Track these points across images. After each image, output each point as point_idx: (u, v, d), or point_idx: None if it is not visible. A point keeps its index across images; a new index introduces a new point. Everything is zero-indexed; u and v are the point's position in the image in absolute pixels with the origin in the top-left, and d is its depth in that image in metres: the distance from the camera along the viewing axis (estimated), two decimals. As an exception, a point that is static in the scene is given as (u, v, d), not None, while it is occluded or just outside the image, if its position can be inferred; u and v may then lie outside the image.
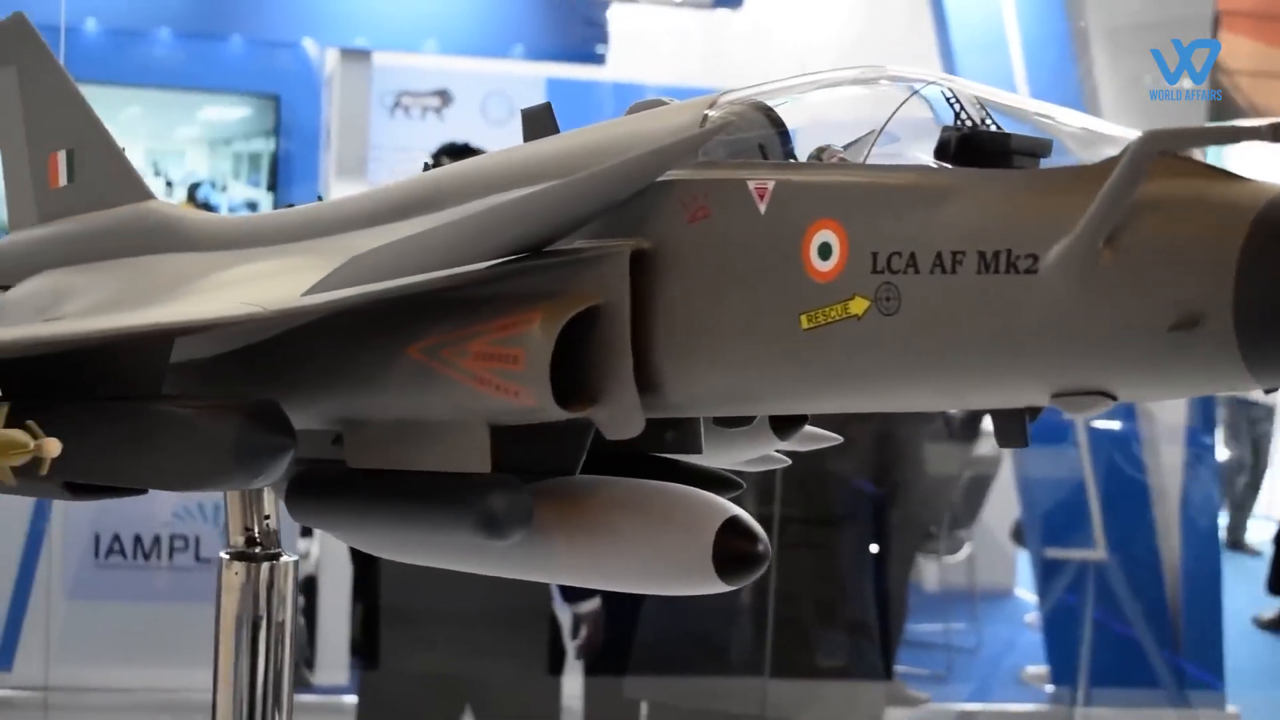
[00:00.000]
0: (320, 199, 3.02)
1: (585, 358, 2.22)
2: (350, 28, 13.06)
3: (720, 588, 2.32)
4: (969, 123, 2.10)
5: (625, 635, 7.52)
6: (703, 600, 6.80)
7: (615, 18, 13.80)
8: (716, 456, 2.70)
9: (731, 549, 2.30)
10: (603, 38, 13.72)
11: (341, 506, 2.62)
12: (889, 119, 2.15)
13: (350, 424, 2.57)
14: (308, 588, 10.81)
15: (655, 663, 7.47)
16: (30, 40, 3.51)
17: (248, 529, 3.01)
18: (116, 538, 9.86)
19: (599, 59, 13.88)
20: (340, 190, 11.66)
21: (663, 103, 2.43)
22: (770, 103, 2.27)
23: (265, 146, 13.98)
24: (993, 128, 2.09)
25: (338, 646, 10.31)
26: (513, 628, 7.95)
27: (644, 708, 7.79)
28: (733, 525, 2.32)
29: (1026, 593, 13.78)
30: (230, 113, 14.24)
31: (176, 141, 13.52)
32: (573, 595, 7.87)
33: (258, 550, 3.00)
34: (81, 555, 9.79)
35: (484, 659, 7.79)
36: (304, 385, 2.53)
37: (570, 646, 8.01)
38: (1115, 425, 9.65)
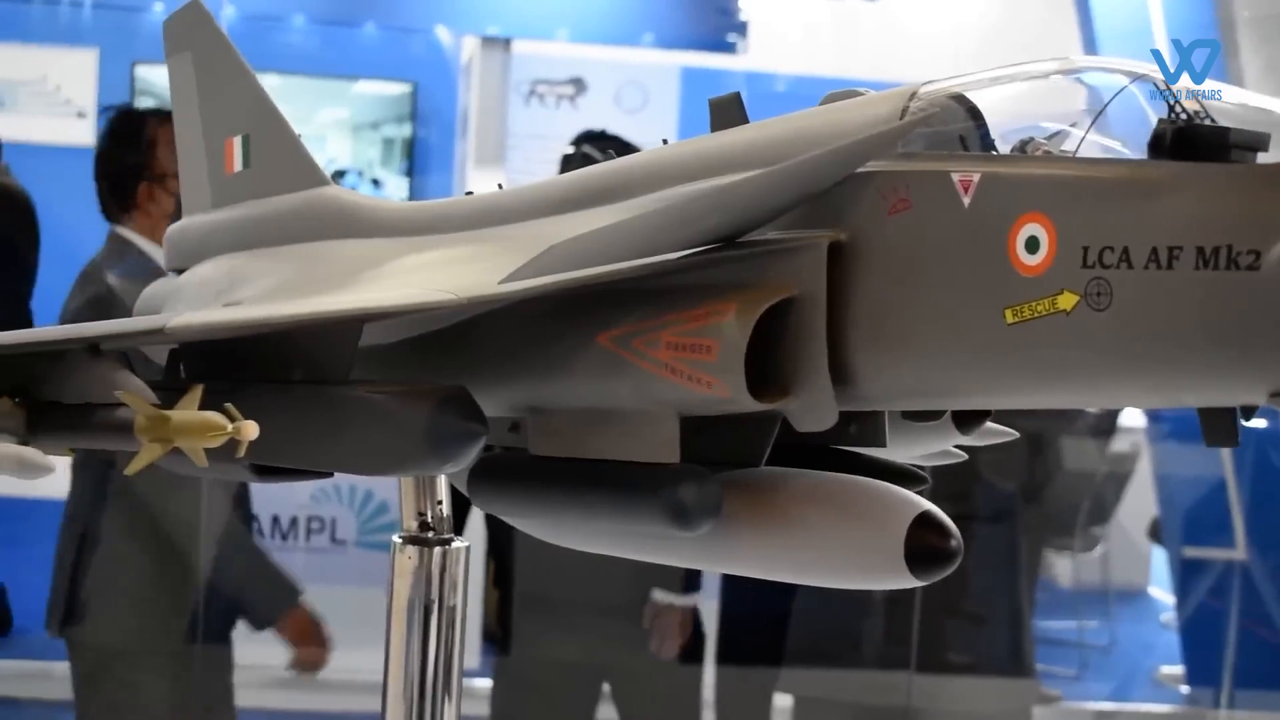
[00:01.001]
0: (471, 193, 3.02)
1: (779, 349, 2.20)
2: (483, 16, 13.14)
3: (911, 582, 2.30)
4: (1183, 116, 2.06)
5: (767, 628, 7.50)
6: (845, 594, 6.79)
7: (747, 6, 13.75)
8: (896, 450, 2.67)
9: (925, 544, 2.28)
10: (735, 27, 13.68)
11: (525, 493, 2.62)
12: (1102, 110, 2.12)
13: (534, 411, 2.57)
14: (441, 572, 10.87)
15: (796, 655, 7.46)
16: (206, 27, 3.55)
17: (421, 514, 3.02)
18: (255, 518, 9.99)
19: (730, 48, 13.84)
20: (478, 178, 11.74)
21: (858, 93, 2.40)
22: (969, 94, 2.25)
23: (402, 133, 14.10)
24: (1208, 121, 2.05)
25: (471, 631, 10.40)
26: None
27: (779, 699, 7.78)
28: (925, 520, 2.30)
29: (1161, 591, 13.60)
30: (368, 99, 14.37)
31: (316, 127, 13.67)
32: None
33: (430, 535, 3.01)
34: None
35: (619, 647, 7.81)
36: (488, 372, 2.54)
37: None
38: (1261, 423, 9.47)
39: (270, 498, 9.92)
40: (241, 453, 2.21)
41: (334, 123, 13.90)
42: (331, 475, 2.65)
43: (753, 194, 2.19)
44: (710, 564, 2.55)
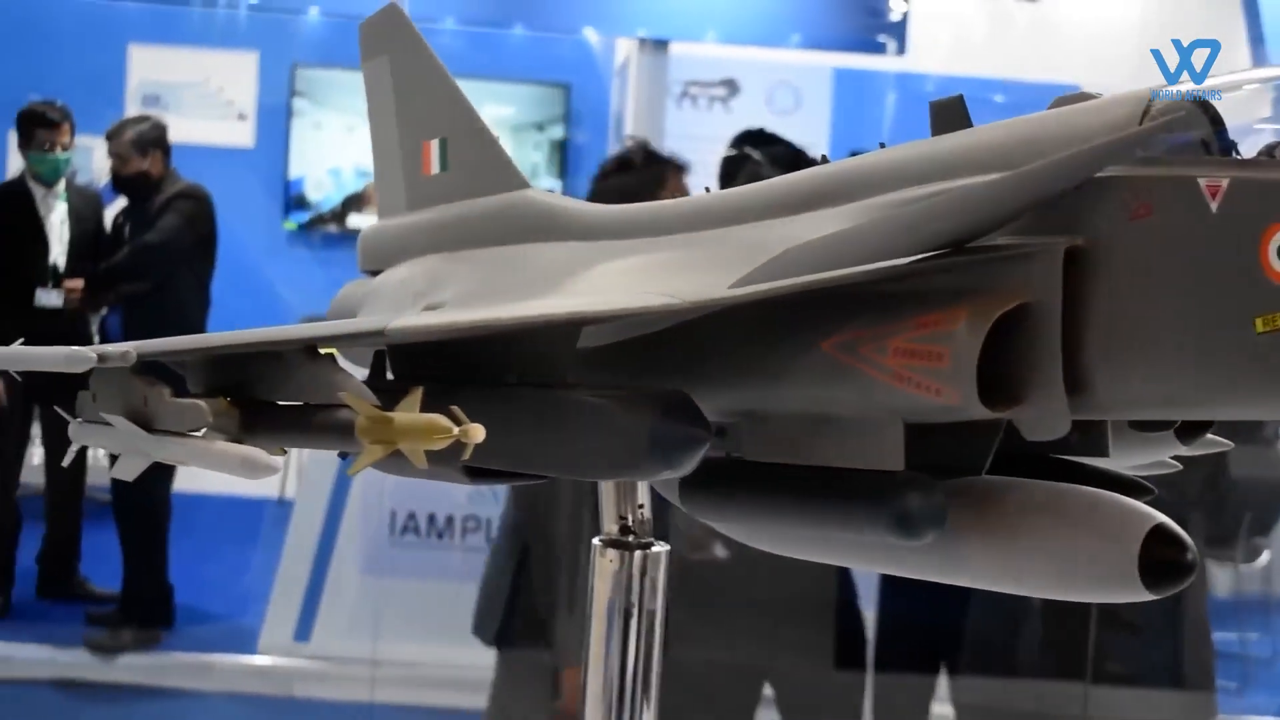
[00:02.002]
0: (707, 190, 2.99)
1: (1009, 356, 2.16)
2: (632, 18, 13.17)
3: (1145, 596, 2.25)
4: None
5: (926, 636, 7.44)
6: (1005, 602, 6.69)
7: (897, 6, 13.65)
8: (1114, 459, 2.61)
9: (1160, 557, 2.22)
10: (885, 27, 13.59)
11: (739, 500, 2.60)
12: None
13: (751, 417, 2.55)
14: (593, 572, 10.89)
15: (957, 664, 7.39)
16: (404, 31, 3.57)
17: (622, 517, 3.02)
18: (412, 516, 10.12)
19: (881, 48, 13.75)
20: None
21: (1090, 96, 2.35)
22: (1208, 98, 2.19)
23: (555, 136, 14.19)
24: None
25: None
26: (805, 618, 7.93)
27: (938, 708, 7.71)
28: (1160, 533, 2.24)
29: (1326, 604, 13.28)
30: (521, 101, 14.48)
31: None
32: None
33: (631, 539, 3.01)
34: (377, 532, 10.06)
35: (781, 649, 7.79)
36: (703, 377, 2.52)
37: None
38: None
39: (428, 495, 10.02)
40: (467, 455, 2.22)
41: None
42: (546, 479, 2.65)
43: (989, 198, 2.15)
44: (932, 574, 2.51)
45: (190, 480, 10.00)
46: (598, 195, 7.97)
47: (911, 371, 2.18)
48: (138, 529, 10.79)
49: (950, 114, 2.50)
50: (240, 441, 2.62)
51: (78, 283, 10.72)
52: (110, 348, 2.51)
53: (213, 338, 2.66)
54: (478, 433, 2.19)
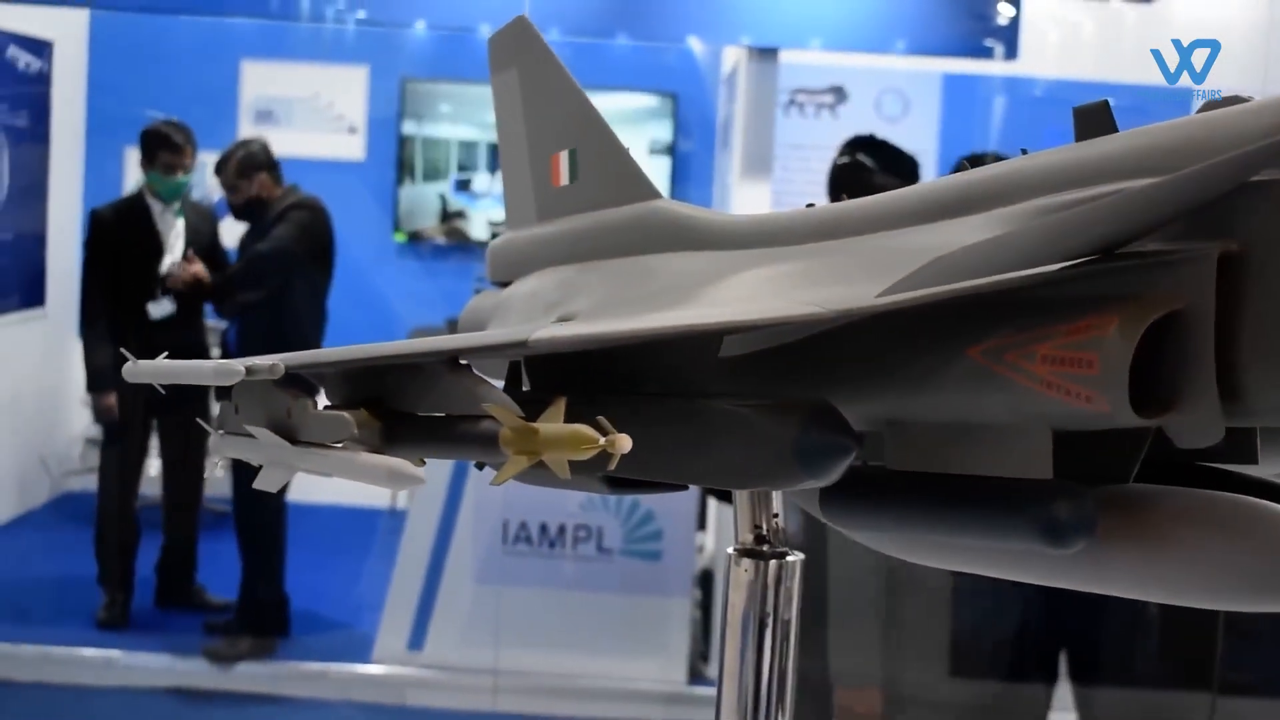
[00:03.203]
0: (812, 205, 2.98)
1: (1160, 363, 2.13)
2: (736, 26, 13.16)
3: None
4: None
5: (1040, 644, 7.37)
6: (1135, 609, 6.59)
7: (1005, 11, 13.54)
8: (1265, 468, 2.57)
9: None
10: (992, 31, 13.49)
11: (883, 510, 2.58)
12: None
13: (893, 425, 2.53)
14: (704, 581, 10.96)
15: (1084, 672, 7.32)
16: (533, 43, 3.58)
17: (757, 527, 3.01)
18: (524, 525, 10.18)
19: (988, 53, 13.65)
20: (743, 190, 11.78)
21: (1241, 99, 2.32)
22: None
23: (664, 145, 14.23)
24: None
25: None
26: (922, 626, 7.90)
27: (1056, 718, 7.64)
28: None
29: None
30: (630, 110, 14.52)
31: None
32: None
33: (765, 548, 3.00)
34: (490, 542, 10.13)
35: (897, 659, 7.77)
36: (843, 386, 2.50)
37: None
38: None
39: (540, 504, 10.09)
40: (613, 465, 2.22)
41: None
42: (686, 489, 2.65)
43: (1142, 204, 2.12)
44: (1080, 583, 2.49)
45: (303, 491, 10.15)
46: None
47: (1061, 378, 2.16)
48: (254, 539, 10.94)
49: (1096, 119, 2.48)
50: (381, 452, 2.64)
51: (197, 266, 10.92)
52: (259, 360, 2.54)
53: (357, 350, 2.68)
54: (625, 443, 2.19)
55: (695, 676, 10.34)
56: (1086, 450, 2.35)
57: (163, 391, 2.98)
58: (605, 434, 2.20)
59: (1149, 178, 2.18)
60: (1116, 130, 2.44)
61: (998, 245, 2.28)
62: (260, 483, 2.83)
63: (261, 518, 10.88)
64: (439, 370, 2.62)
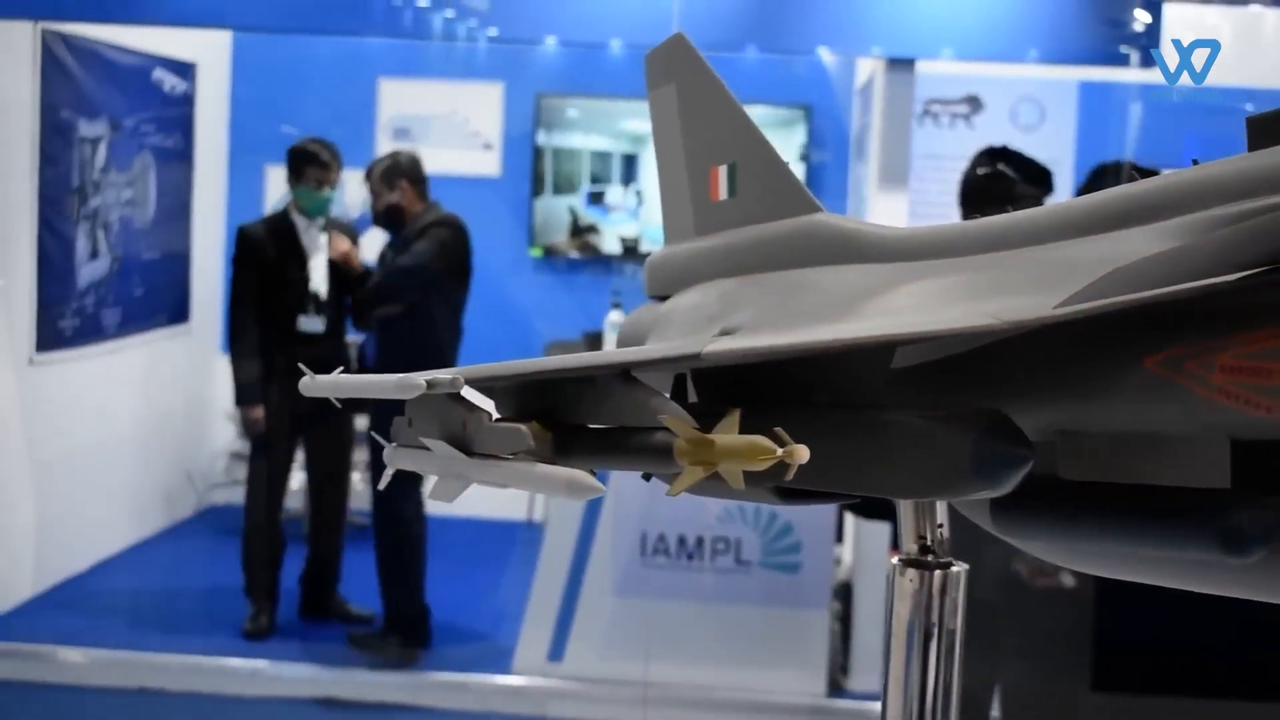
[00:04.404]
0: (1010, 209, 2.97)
1: None
2: (867, 37, 13.14)
3: None
4: None
5: (1149, 656, 7.30)
6: (1204, 617, 6.48)
7: (1141, 18, 13.40)
8: None
9: None
10: (1127, 38, 13.36)
11: (1056, 521, 2.59)
12: None
13: (1066, 435, 2.54)
14: (843, 594, 10.93)
15: (1213, 686, 7.23)
16: (690, 58, 3.62)
17: (921, 536, 3.02)
18: (662, 537, 10.22)
19: (1124, 60, 13.51)
20: (880, 201, 11.76)
21: None
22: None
23: (799, 157, 14.22)
24: None
25: (873, 652, 10.37)
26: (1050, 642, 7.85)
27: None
28: None
29: None
30: (762, 124, 14.56)
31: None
32: None
33: (930, 558, 3.01)
34: (628, 554, 10.18)
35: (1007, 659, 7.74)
36: (1014, 396, 2.51)
37: None
38: None
39: (677, 517, 10.13)
40: (790, 476, 2.25)
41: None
42: (856, 499, 2.67)
43: (1324, 214, 2.12)
44: (1259, 593, 2.47)
45: (441, 504, 10.28)
46: None
47: (1240, 388, 2.16)
48: (396, 550, 11.08)
49: (1270, 129, 2.47)
50: (553, 464, 2.68)
51: (344, 243, 11.16)
52: (439, 374, 2.60)
53: (531, 364, 2.73)
54: (802, 453, 2.22)
55: (835, 689, 10.31)
56: (1266, 460, 2.34)
57: (338, 405, 3.05)
58: (783, 445, 2.23)
59: None
60: (1291, 140, 2.43)
61: (1177, 255, 2.28)
62: (435, 494, 2.89)
63: (401, 529, 11.02)
64: (611, 383, 2.66)
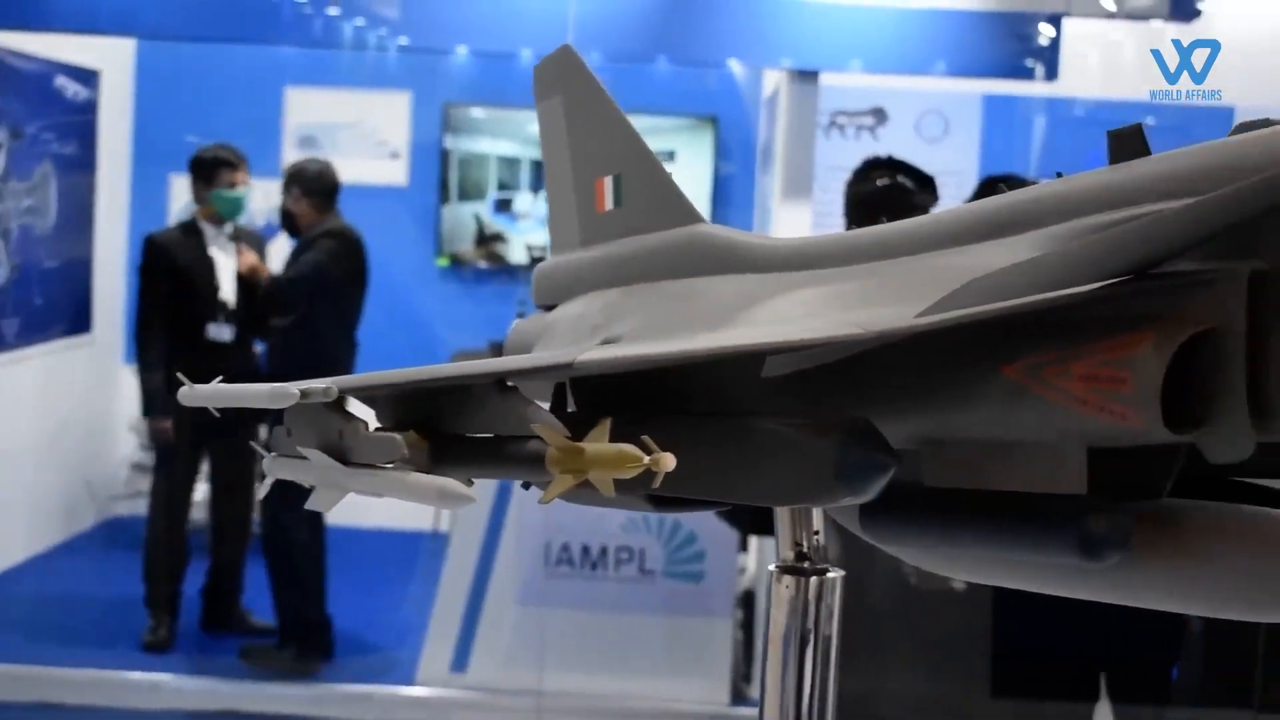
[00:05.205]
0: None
1: (1192, 380, 2.18)
2: (777, 49, 13.23)
3: None
4: None
5: (1091, 661, 7.39)
6: (1176, 627, 6.60)
7: (1046, 32, 13.57)
8: None
9: None
10: (1033, 52, 13.53)
11: (922, 526, 2.63)
12: None
13: (930, 443, 2.58)
14: (746, 602, 10.99)
15: (1125, 690, 7.33)
16: (577, 71, 3.65)
17: (797, 544, 3.06)
18: (566, 547, 10.24)
19: (1029, 73, 13.68)
20: (784, 212, 11.83)
21: (1273, 123, 2.36)
22: None
23: (705, 168, 14.30)
24: None
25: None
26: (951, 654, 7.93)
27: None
28: None
29: None
30: (669, 135, 14.60)
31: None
32: None
33: (806, 565, 3.05)
34: (532, 564, 10.19)
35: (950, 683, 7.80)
36: (881, 404, 2.55)
37: None
38: None
39: (581, 526, 10.14)
40: (657, 484, 2.28)
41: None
42: (728, 507, 2.70)
43: (1175, 225, 2.17)
44: (1115, 596, 2.53)
45: (347, 514, 10.23)
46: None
47: (1095, 395, 2.21)
48: (291, 561, 11.03)
49: (1129, 143, 2.53)
50: (430, 473, 2.70)
51: (251, 256, 11.15)
52: (313, 384, 2.61)
53: (407, 373, 2.75)
54: (668, 461, 2.25)
55: (738, 697, 10.36)
56: (1122, 466, 2.39)
57: (217, 415, 3.05)
58: (650, 453, 2.26)
59: (1182, 200, 2.23)
60: (1149, 153, 2.49)
61: (1035, 266, 2.33)
62: (312, 504, 2.90)
63: (296, 540, 10.97)
64: (487, 392, 2.68)
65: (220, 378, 2.98)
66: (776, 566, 3.05)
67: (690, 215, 3.35)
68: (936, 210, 2.86)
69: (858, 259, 2.86)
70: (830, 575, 3.04)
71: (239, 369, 10.52)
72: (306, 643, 10.98)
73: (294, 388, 2.59)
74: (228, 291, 11.18)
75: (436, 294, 15.12)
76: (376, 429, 2.82)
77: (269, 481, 3.04)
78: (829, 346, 2.47)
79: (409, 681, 10.50)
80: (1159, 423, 2.15)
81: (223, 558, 11.71)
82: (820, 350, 2.54)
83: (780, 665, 3.04)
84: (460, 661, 10.38)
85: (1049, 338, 2.29)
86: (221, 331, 11.05)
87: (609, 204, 3.55)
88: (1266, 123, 2.35)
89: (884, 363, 2.54)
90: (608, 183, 3.54)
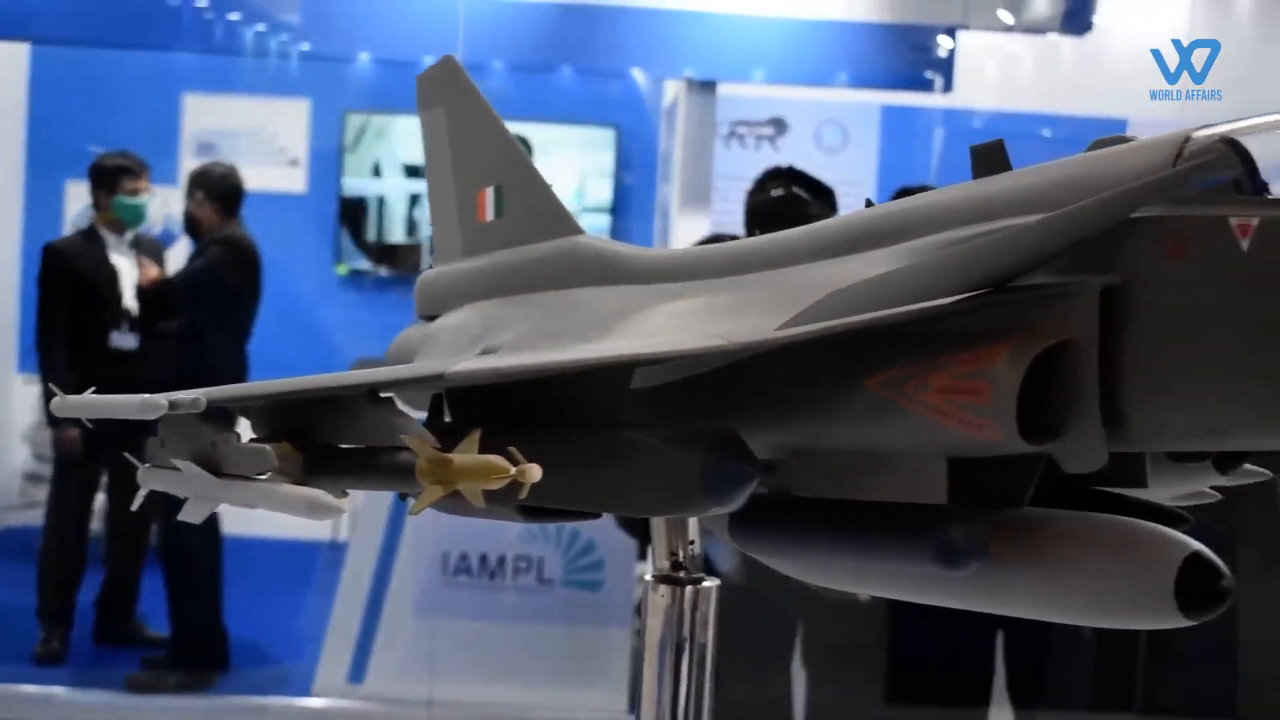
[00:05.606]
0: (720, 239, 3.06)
1: (1049, 392, 2.23)
2: (680, 59, 13.28)
3: (1182, 622, 2.32)
4: None
5: (978, 667, 7.48)
6: (1067, 633, 6.68)
7: (945, 44, 13.72)
8: (1154, 490, 2.67)
9: (1197, 584, 2.30)
10: (933, 64, 13.67)
11: (789, 535, 2.67)
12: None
13: (798, 453, 2.62)
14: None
15: (1016, 696, 7.42)
16: (459, 82, 3.66)
17: (673, 553, 3.09)
18: (464, 556, 10.18)
19: (928, 85, 13.82)
20: (683, 221, 11.87)
21: (1126, 139, 2.42)
22: (1240, 139, 2.25)
23: (606, 177, 14.30)
24: None
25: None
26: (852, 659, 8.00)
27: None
28: (1196, 560, 2.32)
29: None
30: (571, 144, 14.60)
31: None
32: None
33: (682, 574, 3.08)
34: (429, 573, 10.13)
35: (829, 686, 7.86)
36: (751, 415, 2.59)
37: None
38: None
39: (479, 536, 10.10)
40: (523, 495, 2.29)
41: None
42: (598, 517, 2.72)
43: (1030, 240, 2.22)
44: (976, 604, 2.58)
45: (245, 524, 10.13)
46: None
47: (954, 407, 2.25)
48: (187, 572, 10.90)
49: (991, 158, 2.58)
50: (303, 484, 2.69)
51: (152, 269, 11.03)
52: (182, 395, 2.60)
53: (278, 384, 2.75)
54: (534, 472, 2.27)
55: (636, 706, 10.33)
56: (984, 476, 2.44)
57: (89, 426, 3.03)
58: (516, 464, 2.27)
59: (1041, 214, 2.28)
60: (1010, 168, 2.54)
61: (893, 279, 2.37)
62: (185, 515, 2.89)
63: (193, 551, 10.84)
64: (360, 403, 2.68)
65: (93, 389, 2.97)
66: (653, 576, 3.08)
67: (569, 226, 3.37)
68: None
69: (731, 271, 2.89)
70: (706, 584, 3.07)
71: (144, 379, 10.39)
72: (201, 654, 10.85)
73: (163, 399, 2.59)
74: (130, 299, 11.05)
75: (336, 302, 15.01)
76: (251, 440, 2.81)
77: (143, 493, 3.02)
78: (695, 359, 2.50)
79: (305, 693, 10.40)
80: (1015, 434, 2.20)
81: (118, 569, 11.55)
82: (688, 362, 2.57)
83: (656, 673, 3.07)
84: (357, 672, 10.30)
85: (909, 351, 2.33)
86: (125, 340, 10.90)
87: (490, 215, 3.57)
88: (1120, 139, 2.41)
89: (753, 375, 2.57)
90: (489, 194, 3.56)
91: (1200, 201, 2.16)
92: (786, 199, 8.48)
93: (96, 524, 12.04)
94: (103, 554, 11.72)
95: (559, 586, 10.24)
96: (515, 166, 3.52)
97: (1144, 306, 2.17)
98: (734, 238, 2.89)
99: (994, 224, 2.38)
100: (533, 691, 10.18)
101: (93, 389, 2.97)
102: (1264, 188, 2.21)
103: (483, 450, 2.35)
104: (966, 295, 2.27)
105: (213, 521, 10.76)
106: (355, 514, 10.92)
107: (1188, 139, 2.26)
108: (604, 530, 10.01)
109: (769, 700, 7.80)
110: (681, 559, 3.08)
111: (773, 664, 7.76)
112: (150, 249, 11.40)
